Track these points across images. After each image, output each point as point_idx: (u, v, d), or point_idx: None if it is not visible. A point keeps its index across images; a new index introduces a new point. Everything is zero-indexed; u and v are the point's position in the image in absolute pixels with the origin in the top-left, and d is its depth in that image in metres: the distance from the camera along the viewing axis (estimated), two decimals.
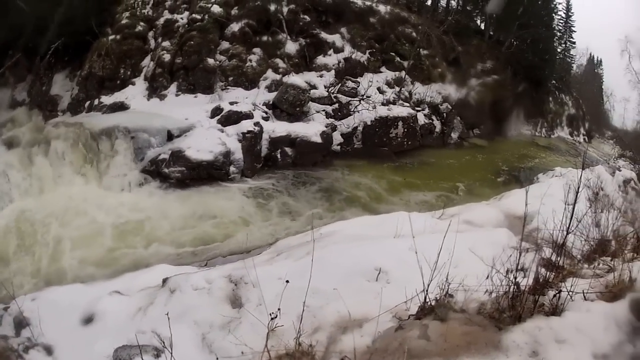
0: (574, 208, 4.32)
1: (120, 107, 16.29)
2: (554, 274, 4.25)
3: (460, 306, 3.94)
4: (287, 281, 4.28)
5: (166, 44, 18.08)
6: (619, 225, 7.72)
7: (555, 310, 3.66)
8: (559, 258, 4.47)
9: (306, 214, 12.83)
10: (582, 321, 3.47)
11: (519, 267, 3.97)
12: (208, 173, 13.63)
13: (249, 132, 15.08)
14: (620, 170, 23.36)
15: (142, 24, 18.70)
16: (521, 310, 3.63)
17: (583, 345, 3.23)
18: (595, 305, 3.69)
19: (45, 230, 10.56)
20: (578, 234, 6.29)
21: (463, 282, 4.00)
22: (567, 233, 4.31)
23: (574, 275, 4.46)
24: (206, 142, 14.03)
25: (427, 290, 3.90)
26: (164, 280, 5.82)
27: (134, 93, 17.00)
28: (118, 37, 17.90)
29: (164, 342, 4.18)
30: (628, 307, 3.56)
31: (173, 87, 17.37)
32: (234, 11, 19.58)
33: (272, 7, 20.09)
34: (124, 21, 18.49)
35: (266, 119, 16.44)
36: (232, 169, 14.20)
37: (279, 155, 15.84)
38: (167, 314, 4.21)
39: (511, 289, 3.78)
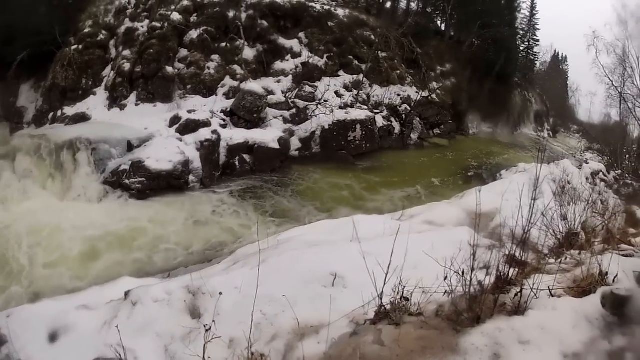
0: (533, 202, 4.34)
1: (82, 118, 16.69)
2: (516, 270, 4.28)
3: (416, 309, 3.94)
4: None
5: (127, 52, 18.53)
6: (588, 217, 7.90)
7: (518, 310, 3.65)
8: (522, 254, 4.49)
9: (264, 221, 13.17)
10: (548, 319, 3.47)
11: (483, 266, 4.02)
12: (168, 183, 14.01)
13: (206, 140, 15.54)
14: (587, 163, 24.20)
15: (104, 32, 19.35)
16: (480, 311, 3.59)
17: (550, 345, 3.21)
18: (563, 302, 3.73)
19: (11, 245, 10.77)
20: (544, 228, 6.60)
21: (420, 284, 4.00)
22: (528, 228, 4.35)
23: (539, 271, 4.50)
24: (165, 152, 14.41)
25: (381, 295, 3.90)
26: (126, 293, 5.87)
27: (95, 103, 17.42)
28: (80, 46, 18.38)
29: (121, 356, 4.35)
30: (600, 302, 3.60)
31: (133, 97, 17.80)
32: (193, 18, 20.26)
33: (231, 14, 20.73)
34: (86, 30, 19.11)
35: (224, 126, 16.89)
36: (191, 178, 14.59)
37: (237, 163, 16.29)
38: (117, 327, 4.47)
39: (468, 289, 3.77)
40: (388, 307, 3.90)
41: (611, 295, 3.57)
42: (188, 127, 15.98)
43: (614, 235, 6.62)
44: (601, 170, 22.53)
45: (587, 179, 19.13)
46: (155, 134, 15.38)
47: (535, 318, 3.47)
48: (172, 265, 10.51)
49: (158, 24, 19.17)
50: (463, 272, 3.79)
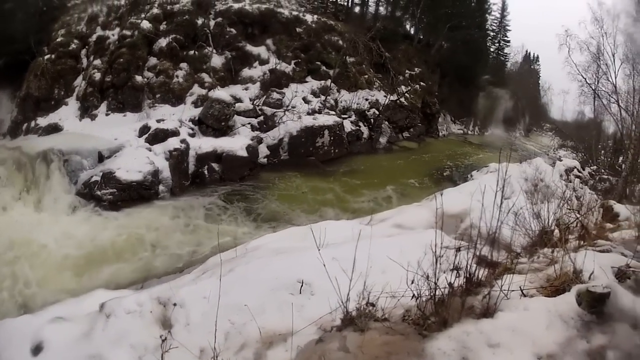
0: (502, 199, 4.29)
1: (55, 129, 16.93)
2: (487, 271, 4.25)
3: (382, 314, 3.90)
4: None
5: (97, 62, 18.81)
6: (562, 214, 7.77)
7: (487, 312, 3.60)
8: (493, 254, 4.51)
9: (232, 229, 13.47)
10: (520, 321, 3.44)
11: (453, 268, 4.01)
12: (138, 193, 14.26)
13: (175, 149, 15.84)
14: (561, 160, 24.79)
15: (75, 41, 19.57)
16: (446, 315, 3.55)
17: (522, 347, 3.17)
18: (535, 302, 3.71)
19: None
20: (516, 227, 6.53)
21: (386, 288, 3.96)
22: (497, 227, 4.29)
23: (511, 271, 4.52)
24: (135, 162, 14.64)
25: (346, 301, 3.89)
26: (101, 306, 5.92)
27: (67, 114, 17.67)
28: (53, 56, 18.78)
29: None
30: (575, 301, 3.59)
31: (103, 107, 18.09)
32: (163, 26, 20.64)
33: (200, 21, 21.19)
34: (59, 39, 19.42)
35: (192, 135, 17.27)
36: (161, 188, 14.88)
37: (206, 172, 16.57)
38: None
39: (434, 292, 3.77)
40: (354, 313, 3.92)
41: (587, 293, 3.58)
42: (157, 137, 16.22)
43: (589, 231, 6.77)
44: (575, 167, 22.78)
45: (561, 176, 19.42)
46: (125, 144, 15.54)
47: (505, 320, 3.46)
48: (144, 276, 10.61)
49: (128, 32, 19.53)
50: (428, 276, 3.81)
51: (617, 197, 16.05)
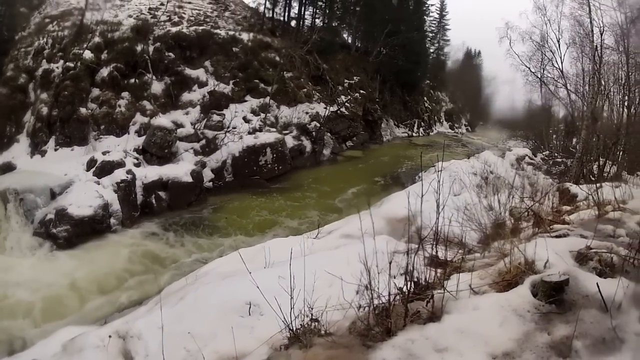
0: (439, 197, 4.26)
1: (8, 167, 17.09)
2: (435, 273, 4.28)
3: (327, 329, 3.94)
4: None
5: (44, 95, 19.26)
6: (516, 204, 8.06)
7: (434, 316, 3.58)
8: (443, 253, 4.56)
9: (182, 257, 13.95)
10: (469, 321, 3.43)
11: (402, 272, 3.97)
12: (91, 228, 14.46)
13: (122, 181, 16.16)
14: (511, 150, 26.06)
15: (24, 75, 20.10)
16: (389, 323, 3.55)
17: (473, 348, 3.14)
18: (485, 299, 3.69)
19: None
20: (468, 223, 7.00)
21: (332, 301, 4.01)
22: (437, 225, 4.36)
23: (460, 269, 4.57)
24: (85, 197, 14.89)
25: (290, 318, 3.93)
26: (67, 343, 6.11)
27: (20, 151, 17.99)
28: (4, 91, 19.23)
29: None
30: (530, 293, 3.59)
31: (52, 142, 18.39)
32: (104, 55, 21.50)
33: (139, 48, 22.10)
34: (8, 74, 19.94)
35: (138, 165, 17.63)
36: (112, 221, 15.17)
37: (154, 201, 17.00)
38: None
39: (371, 301, 3.77)
40: (300, 330, 3.94)
41: (543, 283, 3.58)
42: (104, 169, 16.55)
43: (543, 218, 6.75)
44: (527, 155, 24.52)
45: (512, 165, 20.61)
46: (75, 179, 15.93)
47: (453, 322, 3.45)
48: (106, 312, 10.82)
49: (71, 64, 20.05)
50: (366, 286, 3.82)
51: (574, 178, 17.19)
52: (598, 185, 8.13)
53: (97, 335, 5.95)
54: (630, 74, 21.96)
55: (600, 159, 18.62)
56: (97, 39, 21.95)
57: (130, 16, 25.72)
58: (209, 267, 9.07)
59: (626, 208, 6.84)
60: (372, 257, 3.90)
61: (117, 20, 24.37)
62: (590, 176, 17.52)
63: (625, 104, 22.93)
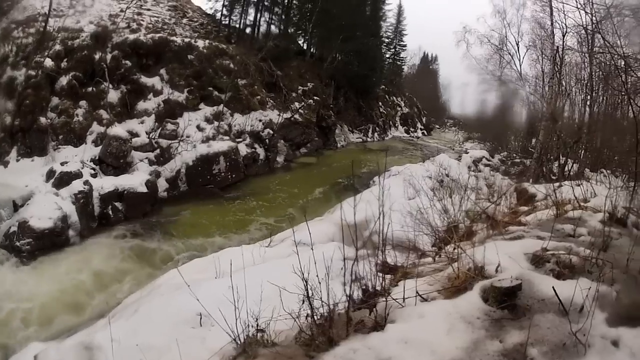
0: (382, 203, 4.16)
1: None
2: (383, 279, 4.25)
3: (273, 339, 3.99)
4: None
5: (9, 105, 19.15)
6: (472, 206, 8.18)
7: (377, 325, 3.58)
8: (381, 259, 4.53)
9: (138, 269, 14.28)
10: (414, 330, 3.42)
11: (354, 279, 3.93)
12: (51, 241, 14.52)
13: (80, 192, 16.25)
14: (467, 153, 27.41)
15: None
16: (331, 333, 3.56)
17: (417, 358, 3.14)
18: (432, 307, 3.72)
19: None
20: (422, 226, 7.17)
21: (280, 311, 4.01)
22: (383, 230, 4.31)
23: (410, 275, 4.56)
24: (45, 209, 14.94)
25: (236, 329, 3.99)
26: (35, 357, 6.23)
27: None
28: None
29: None
30: (481, 298, 3.61)
31: (14, 152, 18.57)
32: (64, 63, 21.85)
33: (97, 56, 22.55)
34: None
35: (95, 175, 17.80)
36: (71, 233, 15.20)
37: (110, 212, 17.14)
38: None
39: (313, 311, 3.81)
40: (245, 341, 4.01)
41: (493, 289, 3.56)
42: (62, 180, 16.70)
43: (497, 220, 6.83)
44: (484, 156, 25.80)
45: (469, 167, 21.62)
46: (35, 190, 16.00)
47: (397, 331, 3.43)
48: (71, 325, 10.98)
49: (33, 72, 20.17)
50: (307, 296, 3.87)
51: (534, 177, 18.00)
52: (558, 184, 8.77)
53: (62, 348, 6.36)
54: (593, 73, 22.67)
55: (561, 158, 19.20)
56: (57, 47, 22.21)
57: (91, 22, 26.18)
58: (163, 278, 9.21)
59: (587, 206, 7.13)
60: (321, 264, 4.05)
61: (79, 26, 24.75)
62: (551, 175, 18.23)
63: (588, 103, 23.84)
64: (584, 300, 3.46)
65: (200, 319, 5.93)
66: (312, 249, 4.12)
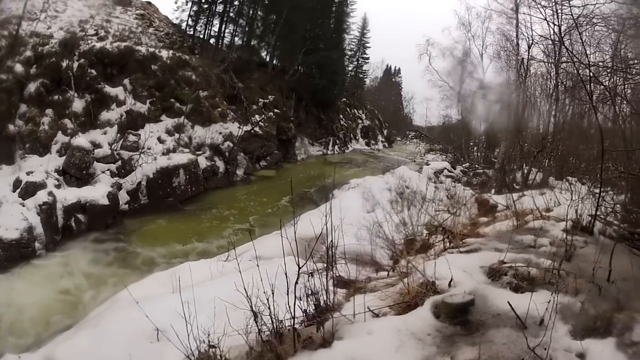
0: (331, 215, 4.17)
1: None
2: (334, 294, 4.30)
3: (226, 354, 4.06)
4: None
5: None
6: (431, 217, 8.19)
7: (325, 342, 3.66)
8: (329, 274, 4.45)
9: (102, 284, 14.25)
10: (362, 347, 3.47)
11: (310, 293, 4.14)
12: (19, 252, 14.58)
13: (44, 203, 16.28)
14: (428, 164, 28.30)
15: None
16: (279, 350, 3.66)
17: None
18: (382, 323, 3.83)
19: None
20: (378, 240, 7.19)
21: (234, 326, 4.07)
22: (332, 244, 4.37)
23: (363, 290, 4.64)
24: (12, 220, 14.97)
25: (189, 345, 4.03)
26: None
27: None
28: None
29: None
30: (432, 314, 3.74)
31: None
32: (33, 70, 21.84)
33: (64, 63, 22.81)
34: None
35: (58, 186, 17.95)
36: (37, 244, 15.25)
37: (73, 224, 17.28)
38: None
39: (259, 327, 3.93)
40: (199, 356, 4.01)
41: (444, 305, 3.66)
42: (28, 191, 16.74)
43: (454, 232, 6.83)
44: (445, 168, 26.84)
45: (430, 179, 21.60)
46: (2, 200, 15.83)
47: (344, 348, 3.46)
48: (40, 339, 10.94)
49: (4, 76, 20.05)
50: (255, 313, 3.95)
51: (497, 187, 18.61)
52: (520, 194, 9.10)
53: None
54: (558, 84, 23.30)
55: (525, 167, 19.80)
56: (28, 53, 22.26)
57: (61, 28, 26.27)
58: (123, 293, 9.04)
59: (550, 216, 7.20)
60: (273, 280, 4.05)
61: (50, 32, 24.86)
62: (514, 185, 18.79)
63: (553, 113, 24.52)
64: (544, 313, 3.52)
65: (157, 334, 6.05)
66: (257, 265, 4.37)
